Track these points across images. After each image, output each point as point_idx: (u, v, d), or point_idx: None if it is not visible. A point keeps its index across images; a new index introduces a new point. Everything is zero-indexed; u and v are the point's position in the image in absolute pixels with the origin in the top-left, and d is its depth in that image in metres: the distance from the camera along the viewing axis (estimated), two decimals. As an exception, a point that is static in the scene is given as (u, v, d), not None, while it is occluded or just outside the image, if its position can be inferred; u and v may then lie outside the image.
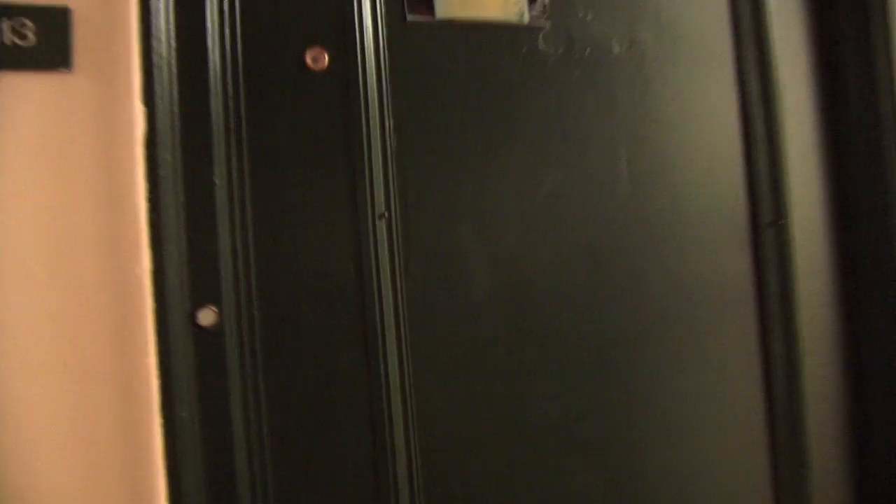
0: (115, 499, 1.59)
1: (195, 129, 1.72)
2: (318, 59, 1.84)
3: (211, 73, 1.75)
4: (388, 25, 1.94)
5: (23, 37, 1.57)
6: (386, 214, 1.90)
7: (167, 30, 1.70)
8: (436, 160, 1.95)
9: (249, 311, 1.77)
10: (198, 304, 1.69)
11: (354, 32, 1.90)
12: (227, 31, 1.78)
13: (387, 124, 1.91)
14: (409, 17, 1.94)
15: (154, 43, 1.66)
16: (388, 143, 1.91)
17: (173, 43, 1.72)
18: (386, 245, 1.91)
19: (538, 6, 2.03)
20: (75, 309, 1.59)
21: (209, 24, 1.76)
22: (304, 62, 1.84)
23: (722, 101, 2.23)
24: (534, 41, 2.04)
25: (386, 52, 1.93)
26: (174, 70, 1.70)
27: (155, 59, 1.65)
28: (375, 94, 1.90)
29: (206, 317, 1.69)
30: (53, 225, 1.58)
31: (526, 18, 2.01)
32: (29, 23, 1.58)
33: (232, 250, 1.75)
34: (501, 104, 2.00)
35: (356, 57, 1.89)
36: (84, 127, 1.62)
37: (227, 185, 1.75)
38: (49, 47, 1.59)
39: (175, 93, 1.70)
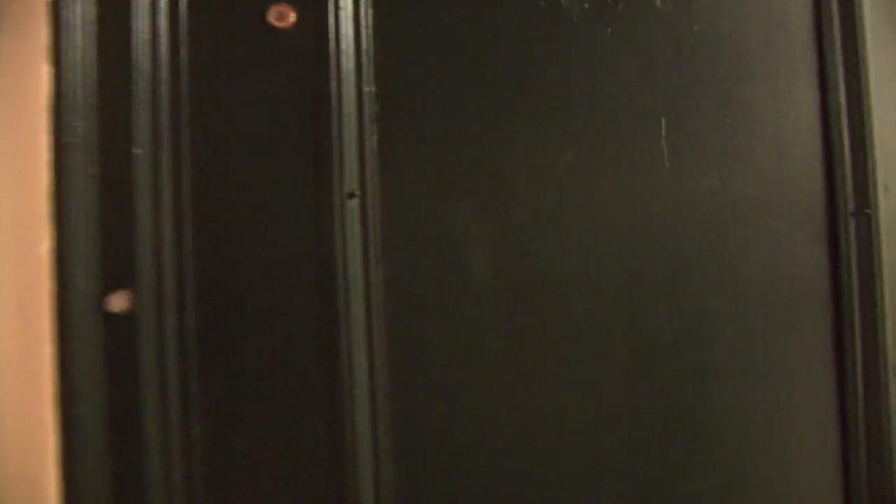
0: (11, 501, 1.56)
1: (112, 94, 1.52)
2: (284, 15, 1.52)
3: (135, 31, 1.53)
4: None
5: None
6: (358, 193, 1.54)
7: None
8: (429, 129, 1.59)
9: (180, 297, 1.53)
10: (109, 287, 1.52)
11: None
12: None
13: (364, 89, 1.57)
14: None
15: (63, -1, 1.52)
16: (364, 110, 1.57)
17: (92, -2, 1.54)
18: (358, 227, 1.56)
19: None
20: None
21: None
22: (265, 19, 1.49)
23: (793, 63, 1.73)
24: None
25: (368, 5, 1.59)
26: (90, 27, 1.53)
27: (64, 13, 1.52)
28: (352, 54, 1.57)
29: (118, 302, 1.51)
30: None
31: None
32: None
33: (154, 229, 1.52)
34: (513, 65, 1.63)
35: (328, 11, 1.55)
36: None
37: (151, 156, 1.52)
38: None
39: (91, 53, 1.52)
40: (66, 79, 1.50)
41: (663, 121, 1.68)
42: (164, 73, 1.54)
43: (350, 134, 1.55)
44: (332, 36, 1.54)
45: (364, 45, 1.56)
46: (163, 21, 1.54)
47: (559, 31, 1.64)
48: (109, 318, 1.52)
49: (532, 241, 1.61)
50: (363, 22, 1.57)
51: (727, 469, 1.76)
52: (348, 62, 1.55)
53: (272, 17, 1.53)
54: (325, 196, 1.54)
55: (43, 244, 1.50)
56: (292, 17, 1.54)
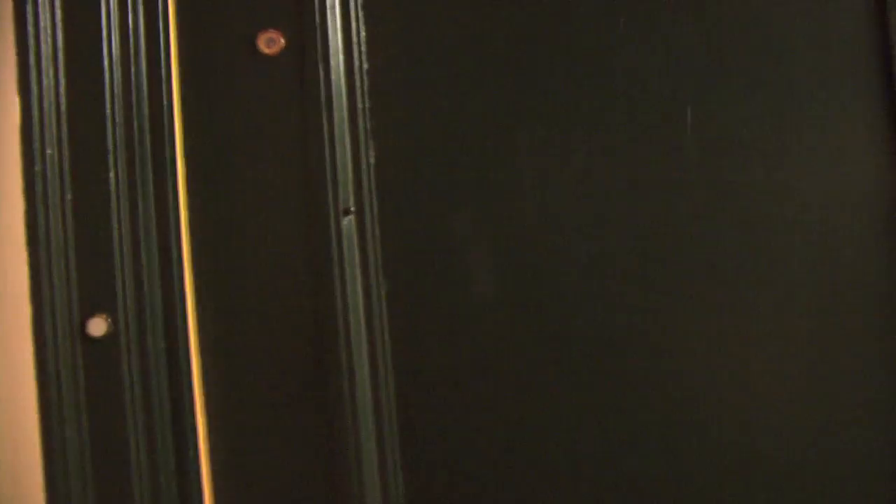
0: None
1: (84, 124, 1.54)
2: (273, 41, 1.59)
3: (106, 60, 1.54)
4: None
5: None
6: (353, 209, 1.54)
7: (51, 16, 1.54)
8: (429, 140, 1.60)
9: (162, 320, 1.55)
10: (87, 312, 1.53)
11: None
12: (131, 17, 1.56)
13: (358, 106, 1.59)
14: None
15: (30, 28, 1.52)
16: (359, 128, 1.59)
17: (59, 28, 1.55)
18: (356, 245, 1.58)
19: None
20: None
21: (103, 12, 1.55)
22: (255, 47, 1.59)
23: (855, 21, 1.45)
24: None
25: (359, 20, 1.61)
26: (60, 56, 1.54)
27: (31, 42, 1.52)
28: (343, 73, 1.59)
29: (97, 326, 1.52)
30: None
31: None
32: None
33: (132, 253, 1.54)
34: (513, 66, 1.57)
35: (317, 33, 1.58)
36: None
37: (126, 183, 1.54)
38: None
39: (61, 82, 1.53)
40: (35, 108, 1.50)
41: (689, 107, 1.53)
42: (138, 103, 1.55)
43: (343, 151, 1.57)
44: (320, 56, 1.57)
45: (356, 63, 1.59)
46: (142, 46, 1.56)
47: (564, 26, 1.57)
48: (89, 341, 1.53)
49: (539, 253, 1.57)
50: (354, 38, 1.59)
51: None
52: (339, 80, 1.58)
53: (261, 44, 1.56)
54: (320, 215, 1.57)
55: (21, 272, 1.51)
56: (282, 41, 1.57)
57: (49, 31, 1.53)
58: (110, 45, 1.56)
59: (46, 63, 1.53)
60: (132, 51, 1.56)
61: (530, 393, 1.57)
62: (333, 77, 1.57)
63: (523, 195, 1.56)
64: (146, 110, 1.59)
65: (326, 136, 1.56)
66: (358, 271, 1.57)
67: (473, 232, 1.57)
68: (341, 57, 1.58)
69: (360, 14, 1.60)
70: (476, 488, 1.57)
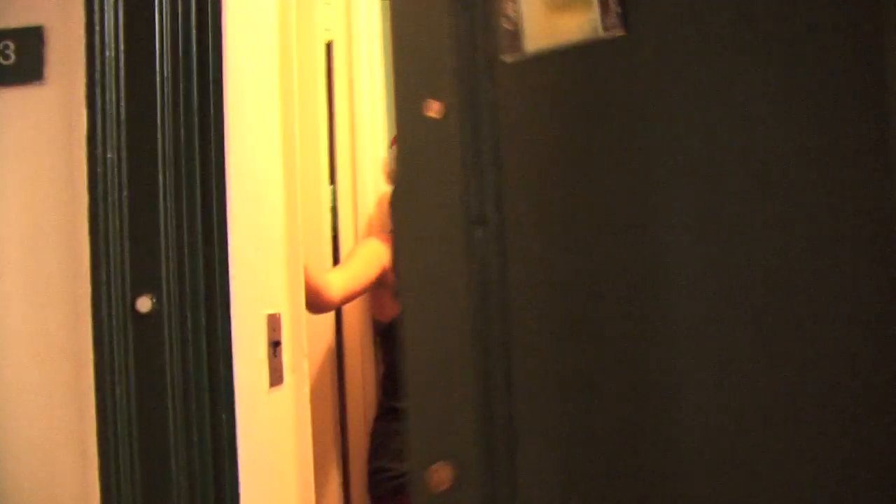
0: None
1: (138, 132, 1.83)
2: (435, 107, 1.70)
3: (158, 77, 1.83)
4: (488, 67, 1.68)
5: (7, 57, 1.89)
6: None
7: (115, 35, 1.83)
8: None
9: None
10: (137, 291, 1.84)
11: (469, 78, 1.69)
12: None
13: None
14: (503, 57, 1.67)
15: (97, 49, 1.82)
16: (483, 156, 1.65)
17: (122, 48, 1.84)
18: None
19: (611, 15, 1.57)
20: (42, 299, 1.89)
21: (158, 26, 1.84)
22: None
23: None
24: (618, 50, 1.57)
25: (489, 91, 1.67)
26: (121, 78, 1.83)
27: (97, 64, 1.82)
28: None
29: (144, 303, 1.82)
30: (25, 222, 1.90)
31: (601, 31, 1.58)
32: (11, 45, 1.89)
33: (176, 244, 1.84)
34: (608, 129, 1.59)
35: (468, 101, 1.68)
36: (51, 132, 1.88)
37: (173, 183, 1.83)
38: (27, 63, 1.89)
39: (122, 96, 1.83)
40: (99, 119, 1.80)
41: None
42: (189, 111, 1.84)
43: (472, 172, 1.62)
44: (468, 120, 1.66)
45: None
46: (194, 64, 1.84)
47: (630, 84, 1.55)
48: (138, 317, 1.83)
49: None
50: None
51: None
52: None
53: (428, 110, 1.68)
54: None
55: (85, 257, 1.82)
56: (441, 107, 1.67)
57: (111, 45, 1.81)
58: (163, 64, 1.83)
59: (110, 81, 1.81)
60: (182, 68, 1.84)
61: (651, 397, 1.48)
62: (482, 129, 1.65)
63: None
64: (194, 120, 1.86)
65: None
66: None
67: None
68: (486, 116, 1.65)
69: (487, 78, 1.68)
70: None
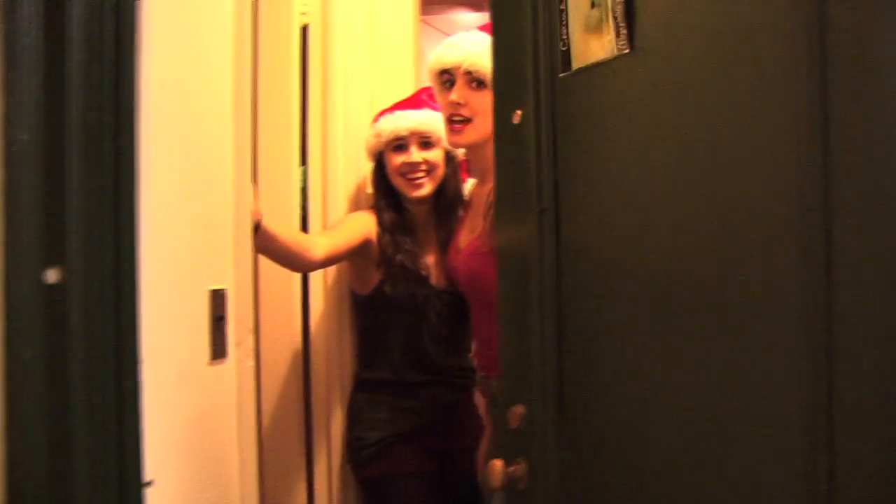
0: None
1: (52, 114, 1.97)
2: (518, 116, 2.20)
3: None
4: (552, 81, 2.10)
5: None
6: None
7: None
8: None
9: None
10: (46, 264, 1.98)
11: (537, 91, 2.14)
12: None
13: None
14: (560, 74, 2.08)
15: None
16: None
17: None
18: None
19: (621, 37, 1.91)
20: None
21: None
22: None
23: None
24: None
25: (553, 104, 2.09)
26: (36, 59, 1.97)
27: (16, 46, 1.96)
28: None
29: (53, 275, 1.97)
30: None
31: (616, 50, 1.94)
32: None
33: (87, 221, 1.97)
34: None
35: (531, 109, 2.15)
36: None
37: (84, 168, 1.96)
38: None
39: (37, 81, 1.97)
40: (13, 103, 1.93)
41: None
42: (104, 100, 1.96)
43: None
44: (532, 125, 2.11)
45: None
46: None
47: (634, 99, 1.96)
48: (47, 289, 1.97)
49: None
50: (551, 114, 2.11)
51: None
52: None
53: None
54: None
55: (-1, 233, 1.95)
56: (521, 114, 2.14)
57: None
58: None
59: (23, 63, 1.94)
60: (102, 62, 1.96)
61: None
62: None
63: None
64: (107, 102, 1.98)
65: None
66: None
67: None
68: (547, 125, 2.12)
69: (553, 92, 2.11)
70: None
